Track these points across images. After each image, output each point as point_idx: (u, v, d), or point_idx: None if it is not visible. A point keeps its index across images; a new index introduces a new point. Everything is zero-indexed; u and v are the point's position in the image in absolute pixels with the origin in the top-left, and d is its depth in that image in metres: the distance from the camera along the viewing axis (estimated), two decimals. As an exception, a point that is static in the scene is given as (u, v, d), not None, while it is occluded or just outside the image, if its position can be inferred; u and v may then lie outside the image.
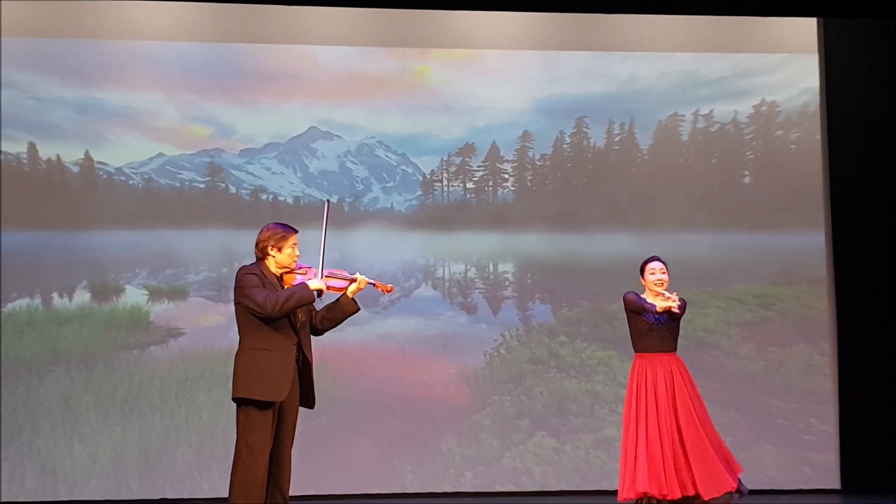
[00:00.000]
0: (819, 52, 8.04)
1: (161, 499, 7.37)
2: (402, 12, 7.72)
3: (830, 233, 7.93)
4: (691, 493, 5.53)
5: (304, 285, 4.71)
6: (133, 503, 7.34)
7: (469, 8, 7.34)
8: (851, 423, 7.68)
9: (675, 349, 5.86)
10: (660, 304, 5.72)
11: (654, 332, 5.81)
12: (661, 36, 8.02)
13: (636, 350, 5.93)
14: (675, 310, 5.71)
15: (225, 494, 4.74)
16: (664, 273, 5.88)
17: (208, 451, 7.46)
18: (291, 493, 4.88)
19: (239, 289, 4.74)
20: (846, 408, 7.71)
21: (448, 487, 7.58)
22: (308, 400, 4.92)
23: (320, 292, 4.77)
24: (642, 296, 5.90)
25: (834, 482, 7.73)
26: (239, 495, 4.63)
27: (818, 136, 8.06)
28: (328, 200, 4.79)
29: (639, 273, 6.01)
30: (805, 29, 8.07)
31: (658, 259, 5.96)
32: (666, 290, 5.82)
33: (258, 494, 4.65)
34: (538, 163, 8.12)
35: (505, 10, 7.49)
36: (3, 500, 7.18)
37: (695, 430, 5.62)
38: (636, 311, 5.80)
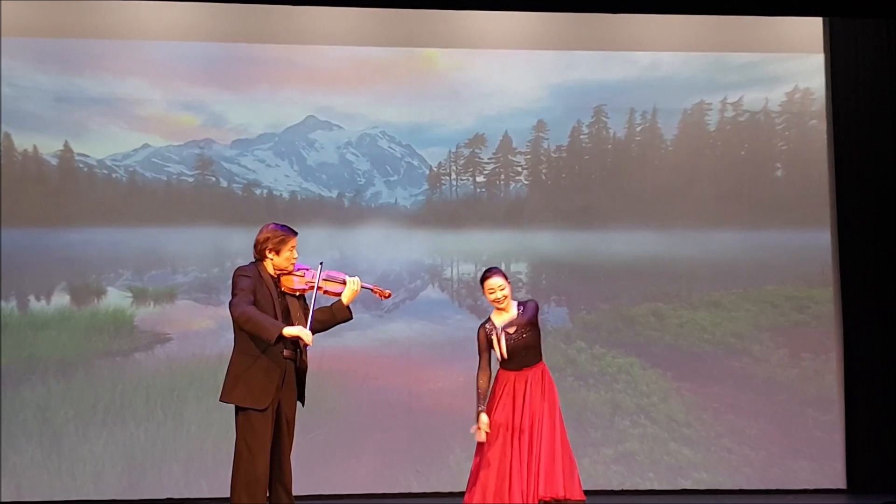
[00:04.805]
0: (825, 51, 7.93)
1: (167, 498, 7.23)
2: (408, 13, 7.61)
3: (836, 232, 7.83)
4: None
5: (278, 327, 4.63)
6: (137, 502, 7.21)
7: (475, 8, 7.29)
8: (857, 422, 7.62)
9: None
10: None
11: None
12: (672, 35, 7.89)
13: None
14: None
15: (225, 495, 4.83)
16: (503, 289, 5.39)
17: (197, 465, 7.26)
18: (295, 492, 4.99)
19: (231, 289, 4.86)
20: (852, 407, 7.66)
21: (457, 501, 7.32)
22: (300, 396, 5.01)
23: (300, 344, 4.75)
24: (490, 317, 5.47)
25: (840, 482, 7.62)
26: (241, 495, 4.73)
27: (825, 135, 7.97)
28: (321, 263, 4.94)
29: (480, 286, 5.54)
30: (812, 28, 7.99)
31: (497, 272, 5.46)
32: (506, 306, 5.40)
33: (261, 494, 4.75)
34: (554, 154, 7.92)
35: (515, 10, 7.44)
36: (3, 499, 7.11)
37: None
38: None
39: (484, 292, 5.43)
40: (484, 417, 5.32)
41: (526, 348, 5.37)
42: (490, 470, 5.29)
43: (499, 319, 5.40)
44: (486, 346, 5.41)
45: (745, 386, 7.62)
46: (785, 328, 7.74)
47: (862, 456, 7.53)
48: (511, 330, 5.33)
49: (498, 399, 5.39)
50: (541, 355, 5.46)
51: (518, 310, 5.40)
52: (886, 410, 7.52)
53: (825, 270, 7.79)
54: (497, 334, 5.32)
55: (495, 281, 5.37)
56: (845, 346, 7.68)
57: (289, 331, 4.62)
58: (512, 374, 5.40)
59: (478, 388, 5.40)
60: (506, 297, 5.37)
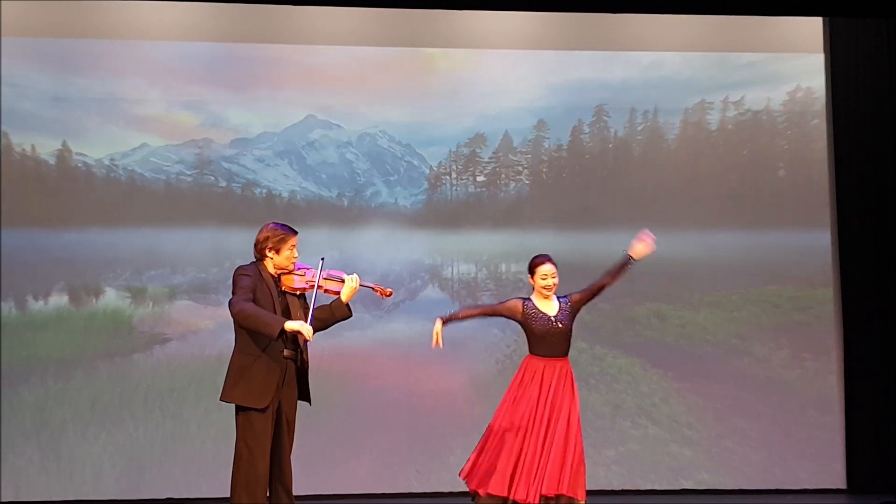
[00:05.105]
0: (825, 51, 7.93)
1: (167, 498, 7.22)
2: (409, 13, 7.58)
3: (836, 232, 7.81)
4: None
5: (279, 322, 4.65)
6: (137, 503, 7.19)
7: (476, 8, 7.27)
8: (858, 422, 7.62)
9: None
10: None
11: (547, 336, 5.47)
12: (673, 35, 7.87)
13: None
14: None
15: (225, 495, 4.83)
16: (555, 276, 5.49)
17: (196, 466, 7.22)
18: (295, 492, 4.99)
19: (232, 288, 4.85)
20: (852, 407, 7.66)
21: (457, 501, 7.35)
22: (306, 395, 5.02)
23: (300, 340, 4.77)
24: (531, 298, 5.51)
25: (840, 482, 7.62)
26: (241, 495, 4.73)
27: (824, 136, 7.94)
28: (322, 259, 4.91)
29: (528, 272, 5.60)
30: (813, 28, 7.99)
31: (549, 259, 5.55)
32: (551, 295, 5.48)
33: (261, 494, 4.75)
34: (554, 154, 7.88)
35: (516, 9, 7.43)
36: (2, 500, 7.08)
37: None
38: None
39: (533, 278, 5.45)
40: (437, 324, 5.41)
41: (561, 336, 5.39)
42: (501, 466, 5.26)
43: (541, 304, 5.43)
44: (503, 310, 5.45)
45: (746, 386, 7.60)
46: (786, 328, 7.72)
47: (862, 456, 7.53)
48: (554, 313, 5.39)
49: (526, 385, 5.37)
50: (569, 351, 5.47)
51: (560, 302, 5.44)
52: (886, 410, 7.53)
53: (825, 270, 7.77)
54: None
55: (549, 268, 5.43)
56: (846, 346, 7.68)
57: (290, 325, 4.61)
58: (542, 362, 5.37)
59: (461, 308, 5.54)
60: (555, 284, 5.43)
